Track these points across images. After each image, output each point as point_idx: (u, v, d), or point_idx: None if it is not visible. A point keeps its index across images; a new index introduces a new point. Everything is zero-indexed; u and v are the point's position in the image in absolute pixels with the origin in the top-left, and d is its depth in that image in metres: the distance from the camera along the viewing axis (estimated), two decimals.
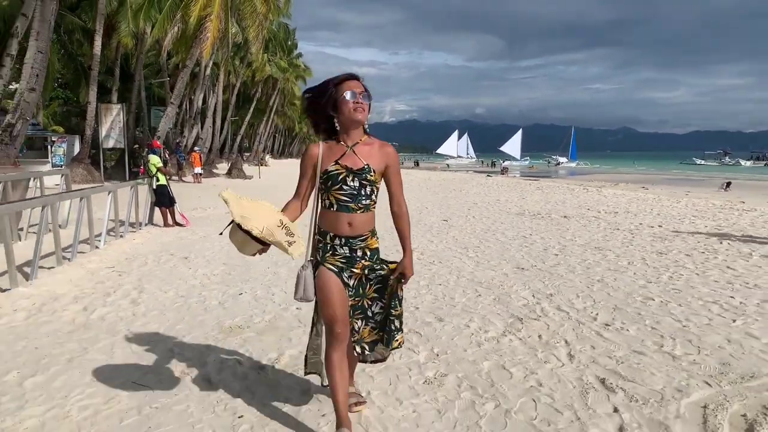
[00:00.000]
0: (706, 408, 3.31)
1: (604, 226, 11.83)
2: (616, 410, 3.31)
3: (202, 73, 31.02)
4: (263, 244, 2.74)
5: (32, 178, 11.37)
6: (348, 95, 2.85)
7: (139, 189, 11.32)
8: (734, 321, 5.03)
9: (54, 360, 4.16)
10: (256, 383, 3.77)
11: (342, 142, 2.93)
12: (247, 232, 2.66)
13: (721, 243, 9.44)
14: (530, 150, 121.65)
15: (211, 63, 30.86)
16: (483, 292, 6.19)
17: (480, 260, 8.06)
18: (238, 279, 6.79)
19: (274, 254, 3.89)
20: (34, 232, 8.55)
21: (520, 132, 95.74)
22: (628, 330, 4.82)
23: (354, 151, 2.91)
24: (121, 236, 9.93)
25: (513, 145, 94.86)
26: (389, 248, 7.89)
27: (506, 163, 76.94)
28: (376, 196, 2.99)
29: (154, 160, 11.65)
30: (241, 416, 3.28)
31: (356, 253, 2.95)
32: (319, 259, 2.97)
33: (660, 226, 11.80)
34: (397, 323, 3.09)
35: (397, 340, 3.10)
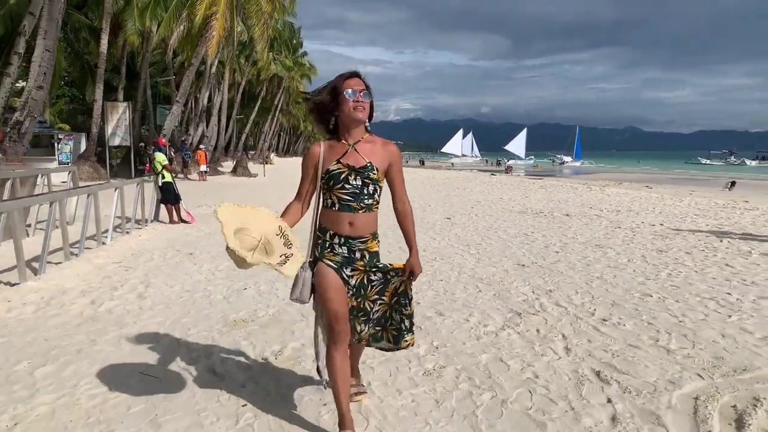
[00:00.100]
0: (697, 399, 3.40)
1: (605, 224, 11.90)
2: (609, 401, 3.41)
3: (208, 72, 31.18)
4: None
5: (40, 175, 11.53)
6: (348, 94, 2.81)
7: (145, 186, 11.44)
8: (730, 317, 5.12)
9: (63, 351, 4.27)
10: (260, 374, 3.88)
11: (343, 141, 2.90)
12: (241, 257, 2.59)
13: (721, 241, 9.51)
14: (535, 149, 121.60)
15: (216, 61, 31.00)
16: (483, 288, 6.28)
17: (481, 257, 8.15)
18: (243, 274, 6.89)
19: None
20: (41, 229, 8.69)
21: (525, 131, 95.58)
22: (624, 325, 4.90)
23: (356, 150, 2.88)
24: (128, 232, 10.06)
25: (518, 144, 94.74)
26: (392, 246, 8.00)
27: (510, 162, 76.89)
28: (379, 196, 2.94)
29: (160, 158, 11.78)
30: (245, 405, 3.39)
31: (355, 254, 2.91)
32: (317, 255, 2.94)
33: (661, 224, 11.87)
34: (407, 323, 3.05)
35: (407, 341, 3.06)
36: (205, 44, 24.76)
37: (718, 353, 4.18)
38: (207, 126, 36.32)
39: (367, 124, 2.93)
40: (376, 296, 3.01)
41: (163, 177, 11.64)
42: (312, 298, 2.97)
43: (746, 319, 5.04)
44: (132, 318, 5.15)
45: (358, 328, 3.00)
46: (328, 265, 2.89)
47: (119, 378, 3.77)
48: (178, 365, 4.01)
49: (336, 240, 2.90)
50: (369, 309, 3.00)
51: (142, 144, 28.60)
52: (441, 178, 35.55)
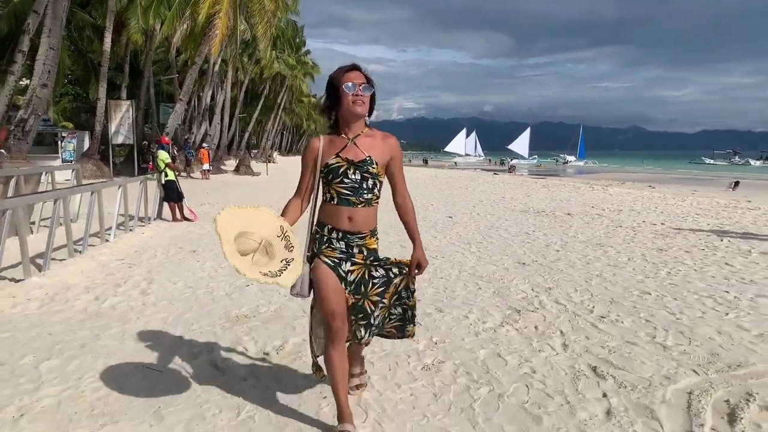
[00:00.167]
0: (691, 394, 3.45)
1: (607, 223, 11.94)
2: (605, 395, 3.46)
3: (211, 70, 31.24)
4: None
5: (44, 173, 11.61)
6: (347, 87, 2.79)
7: (148, 184, 11.51)
8: (727, 314, 5.17)
9: (67, 345, 4.34)
10: (261, 368, 3.94)
11: (343, 135, 2.89)
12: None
13: (721, 240, 9.54)
14: (539, 148, 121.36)
15: (219, 60, 31.05)
16: (483, 286, 6.33)
17: (482, 255, 8.20)
18: None
19: None
20: (45, 226, 8.77)
21: (528, 130, 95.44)
22: (622, 322, 4.95)
23: (355, 143, 2.86)
24: (131, 230, 10.14)
25: (521, 144, 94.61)
26: (393, 243, 8.05)
27: (514, 161, 76.81)
28: (378, 191, 2.92)
29: (163, 156, 11.85)
30: (247, 398, 3.45)
31: (352, 250, 2.89)
32: (315, 251, 2.92)
33: (663, 223, 11.90)
34: (410, 314, 3.11)
35: (409, 331, 3.15)
36: (208, 42, 24.84)
37: (714, 350, 4.24)
38: (210, 124, 36.42)
39: (367, 118, 2.92)
40: (377, 297, 2.97)
41: (166, 175, 11.71)
42: (311, 293, 2.99)
43: (743, 316, 5.10)
44: (135, 314, 5.22)
45: (359, 334, 2.99)
46: (326, 263, 2.88)
47: (123, 372, 3.83)
48: (180, 359, 4.08)
49: (334, 234, 2.89)
50: (370, 311, 2.96)
51: (146, 142, 28.69)
52: (444, 177, 35.60)
